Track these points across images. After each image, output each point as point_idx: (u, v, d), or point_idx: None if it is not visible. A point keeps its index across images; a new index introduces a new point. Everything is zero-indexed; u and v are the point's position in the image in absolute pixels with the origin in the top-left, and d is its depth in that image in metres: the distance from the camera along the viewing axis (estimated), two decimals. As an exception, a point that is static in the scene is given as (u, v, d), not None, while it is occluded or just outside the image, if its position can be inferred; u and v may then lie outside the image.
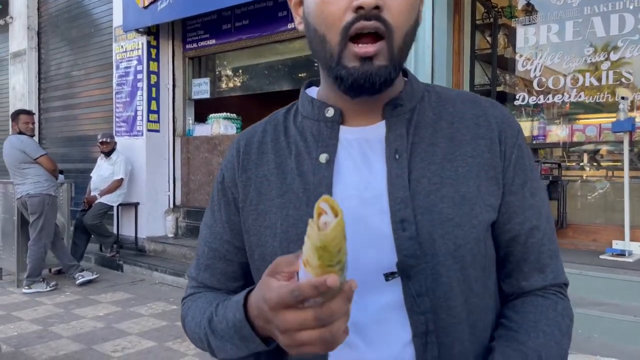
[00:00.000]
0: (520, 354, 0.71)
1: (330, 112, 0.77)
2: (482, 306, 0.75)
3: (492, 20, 5.00)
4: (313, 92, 0.83)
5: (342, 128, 0.77)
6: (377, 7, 0.66)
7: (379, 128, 0.75)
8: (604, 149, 4.56)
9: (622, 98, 3.75)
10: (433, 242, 0.70)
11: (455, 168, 0.73)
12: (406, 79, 0.80)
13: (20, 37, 8.17)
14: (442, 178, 0.73)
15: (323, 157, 0.75)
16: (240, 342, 0.69)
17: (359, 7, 0.66)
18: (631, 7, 3.99)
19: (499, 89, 5.02)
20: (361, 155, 0.75)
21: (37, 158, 4.80)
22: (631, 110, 4.14)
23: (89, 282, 5.08)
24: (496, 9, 5.06)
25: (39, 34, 8.12)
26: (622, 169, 3.75)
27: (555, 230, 0.82)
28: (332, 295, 0.54)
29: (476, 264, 0.73)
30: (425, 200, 0.71)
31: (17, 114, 5.03)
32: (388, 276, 0.70)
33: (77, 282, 5.01)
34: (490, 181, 0.74)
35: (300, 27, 0.78)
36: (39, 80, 8.13)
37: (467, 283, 0.72)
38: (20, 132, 4.91)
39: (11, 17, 8.30)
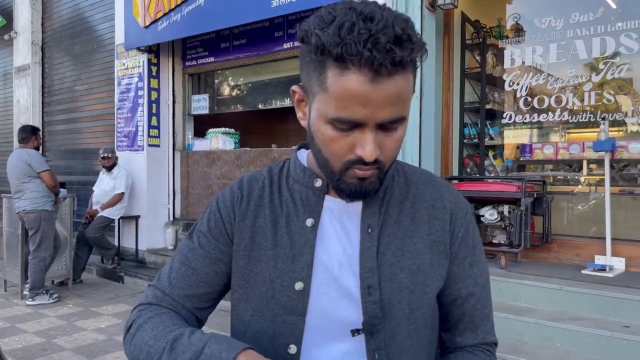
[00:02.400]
0: None
1: (318, 183, 0.90)
2: (427, 359, 0.92)
3: (480, 40, 5.16)
4: (303, 155, 0.95)
5: (327, 197, 0.90)
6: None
7: (357, 203, 0.89)
8: (585, 167, 4.71)
9: (603, 118, 3.89)
10: (392, 307, 0.85)
11: (414, 243, 0.88)
12: None
13: (24, 51, 8.37)
14: (403, 252, 0.87)
15: (309, 222, 0.88)
16: None
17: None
18: (612, 30, 4.16)
19: (488, 106, 5.18)
20: (341, 224, 0.89)
21: (40, 172, 4.94)
22: (612, 126, 4.31)
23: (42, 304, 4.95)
24: (485, 29, 5.23)
25: (42, 49, 8.32)
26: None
27: (490, 296, 0.98)
28: None
29: (427, 325, 0.90)
30: (389, 270, 0.86)
31: (37, 130, 5.27)
32: (354, 332, 0.85)
33: (30, 303, 4.93)
34: (441, 255, 0.90)
35: (303, 123, 0.86)
36: (42, 94, 8.32)
37: (418, 340, 0.89)
38: (36, 147, 5.11)
39: (15, 32, 8.50)
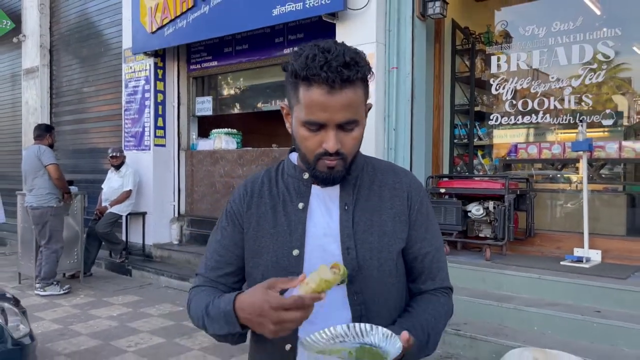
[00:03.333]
0: (411, 323, 1.17)
1: (306, 176, 1.19)
2: (395, 300, 1.21)
3: (470, 46, 5.45)
4: (294, 156, 1.24)
5: (313, 186, 1.19)
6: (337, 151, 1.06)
7: (336, 188, 1.19)
8: (566, 165, 5.00)
9: (581, 120, 4.18)
10: (365, 262, 1.15)
11: (380, 215, 1.18)
12: None
13: (33, 54, 8.65)
14: (372, 222, 1.17)
15: (300, 205, 1.18)
16: (224, 323, 1.08)
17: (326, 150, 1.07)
18: (590, 38, 4.46)
19: (477, 108, 5.48)
20: (324, 205, 1.18)
21: (47, 165, 5.22)
22: (599, 126, 4.61)
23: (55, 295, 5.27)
24: (474, 36, 5.52)
25: (51, 52, 8.61)
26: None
27: (444, 253, 1.28)
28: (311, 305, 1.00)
29: (392, 275, 1.20)
30: (362, 236, 1.15)
31: (51, 128, 5.63)
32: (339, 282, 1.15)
33: (41, 293, 5.25)
34: (401, 223, 1.20)
35: (290, 131, 1.15)
36: (51, 96, 8.60)
37: (387, 286, 1.19)
38: (50, 145, 5.41)
39: (24, 35, 8.78)
